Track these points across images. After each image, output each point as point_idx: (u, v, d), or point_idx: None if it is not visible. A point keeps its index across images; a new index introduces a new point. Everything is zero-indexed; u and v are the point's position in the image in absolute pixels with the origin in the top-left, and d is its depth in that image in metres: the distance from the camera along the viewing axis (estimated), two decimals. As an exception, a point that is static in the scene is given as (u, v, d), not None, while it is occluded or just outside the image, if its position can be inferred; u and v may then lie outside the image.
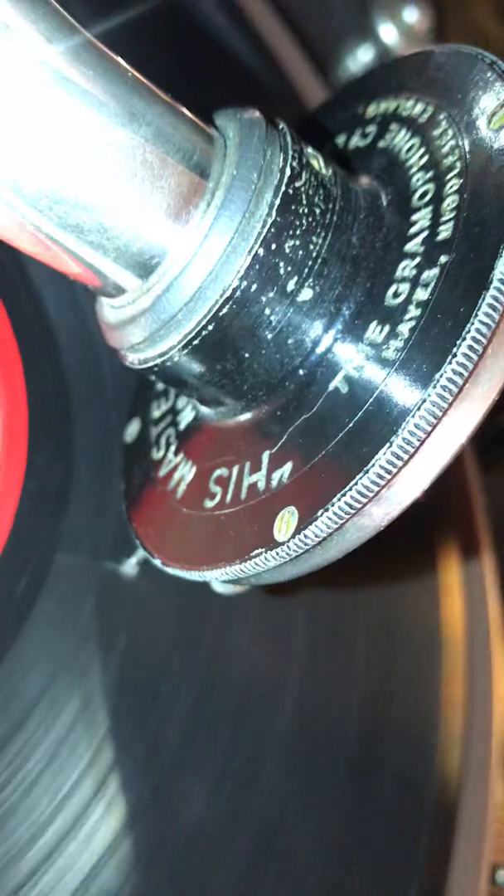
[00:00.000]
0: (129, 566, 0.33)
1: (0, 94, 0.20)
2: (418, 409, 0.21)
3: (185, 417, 0.28)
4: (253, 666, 0.34)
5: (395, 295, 0.23)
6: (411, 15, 0.52)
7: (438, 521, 0.41)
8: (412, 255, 0.23)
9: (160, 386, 0.30)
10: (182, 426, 0.28)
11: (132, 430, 0.31)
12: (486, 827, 0.38)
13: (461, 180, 0.23)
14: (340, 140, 0.28)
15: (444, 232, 0.23)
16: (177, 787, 0.32)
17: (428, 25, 0.52)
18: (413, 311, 0.22)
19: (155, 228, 0.22)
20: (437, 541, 0.40)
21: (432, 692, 0.37)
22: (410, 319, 0.22)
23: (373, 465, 0.21)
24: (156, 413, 0.30)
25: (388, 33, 0.53)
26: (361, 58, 0.54)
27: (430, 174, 0.24)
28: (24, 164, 0.21)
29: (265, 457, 0.24)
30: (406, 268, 0.23)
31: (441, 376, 0.21)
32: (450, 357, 0.21)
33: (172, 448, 0.28)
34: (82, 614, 0.33)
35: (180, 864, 0.31)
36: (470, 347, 0.20)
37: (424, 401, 0.21)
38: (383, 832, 0.34)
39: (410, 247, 0.23)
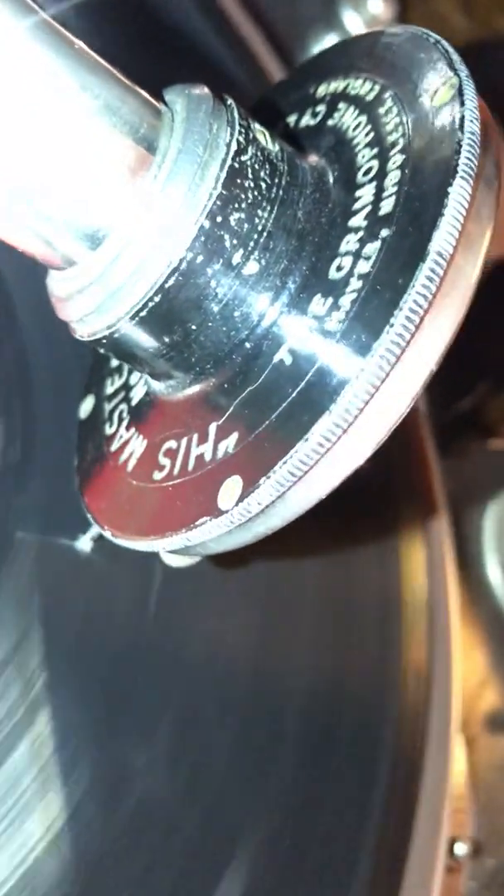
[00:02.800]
0: (84, 542, 0.33)
1: None
2: (357, 378, 0.21)
3: (138, 393, 0.29)
4: (208, 640, 0.35)
5: (339, 268, 0.23)
6: (375, 5, 0.53)
7: (399, 496, 0.41)
8: (355, 230, 0.23)
9: (114, 363, 0.31)
10: (134, 402, 0.29)
11: (86, 406, 0.31)
12: (444, 800, 0.38)
13: (403, 156, 0.23)
14: (291, 119, 0.29)
15: (386, 206, 0.23)
16: (125, 766, 0.32)
17: (391, 15, 0.52)
18: (355, 284, 0.23)
19: (102, 200, 0.23)
20: (398, 515, 0.41)
21: (392, 664, 0.37)
22: (352, 292, 0.22)
23: (312, 434, 0.21)
24: (109, 389, 0.30)
25: (353, 22, 0.54)
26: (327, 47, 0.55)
27: (374, 151, 0.24)
28: (-31, 133, 0.21)
29: (212, 428, 0.25)
30: (349, 242, 0.23)
31: (379, 346, 0.21)
32: (388, 328, 0.21)
33: (125, 423, 0.28)
34: (37, 593, 0.33)
35: (127, 845, 0.31)
36: (407, 318, 0.21)
37: (363, 370, 0.21)
38: (341, 805, 0.35)
39: (354, 221, 0.24)
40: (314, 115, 0.28)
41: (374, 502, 0.39)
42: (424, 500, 0.42)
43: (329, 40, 0.55)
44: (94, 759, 0.31)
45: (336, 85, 0.28)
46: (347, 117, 0.26)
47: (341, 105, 0.27)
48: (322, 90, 0.28)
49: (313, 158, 0.26)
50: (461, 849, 0.44)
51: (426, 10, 0.54)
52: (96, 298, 0.24)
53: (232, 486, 0.23)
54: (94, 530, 0.31)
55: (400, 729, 0.36)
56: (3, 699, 0.31)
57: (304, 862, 0.34)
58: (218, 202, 0.23)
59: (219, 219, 0.23)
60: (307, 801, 0.34)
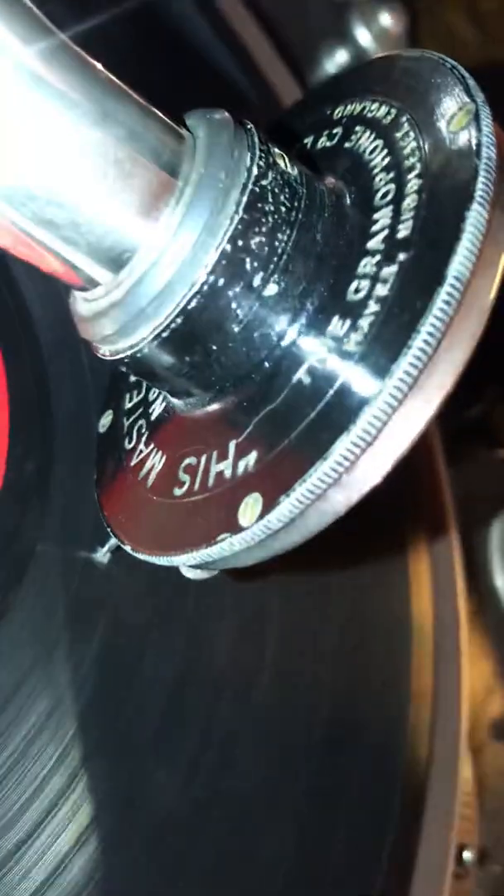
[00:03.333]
0: (102, 554, 0.33)
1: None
2: (376, 399, 0.22)
3: (157, 408, 0.29)
4: (225, 654, 0.35)
5: (357, 291, 0.24)
6: (386, 18, 0.54)
7: (408, 512, 0.42)
8: (373, 253, 0.24)
9: (133, 378, 0.31)
10: (153, 417, 0.29)
11: (105, 420, 0.32)
12: (453, 810, 0.39)
13: (420, 181, 0.24)
14: (308, 141, 0.29)
15: (404, 230, 0.24)
16: (149, 776, 0.32)
17: (402, 29, 0.53)
18: (373, 307, 0.23)
19: (126, 225, 0.23)
20: (407, 531, 0.41)
21: (402, 681, 0.38)
22: (370, 314, 0.23)
23: (332, 452, 0.22)
24: (128, 404, 0.31)
25: (363, 37, 0.54)
26: (338, 60, 0.55)
27: (391, 174, 0.25)
28: (-2, 161, 0.22)
29: (232, 446, 0.25)
30: (367, 265, 0.24)
31: (398, 368, 0.22)
32: (406, 350, 0.22)
33: (143, 438, 0.29)
34: (58, 605, 0.34)
35: (152, 854, 0.32)
36: (425, 341, 0.22)
37: (382, 391, 0.22)
38: (353, 815, 0.35)
39: (372, 244, 0.24)
40: (331, 137, 0.28)
41: (383, 514, 0.40)
42: (435, 511, 0.42)
43: (339, 54, 0.55)
44: (114, 773, 0.32)
45: (352, 107, 0.28)
46: (364, 140, 0.27)
47: (358, 128, 0.27)
48: (338, 112, 0.28)
49: (330, 181, 0.27)
50: (469, 856, 0.44)
51: (436, 24, 0.55)
52: (120, 320, 0.24)
53: (252, 504, 0.23)
54: (112, 543, 0.32)
55: (411, 743, 0.37)
56: (31, 711, 0.31)
57: (315, 870, 0.34)
58: (239, 226, 0.23)
59: (240, 242, 0.23)
60: (318, 811, 0.34)
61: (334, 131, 0.28)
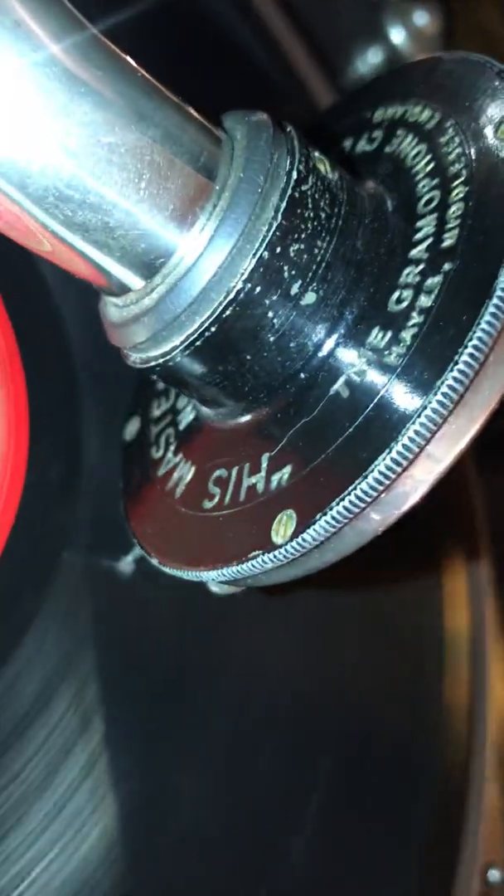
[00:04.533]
0: (126, 564, 0.33)
1: (7, 93, 0.20)
2: (419, 415, 0.21)
3: (186, 417, 0.28)
4: (250, 667, 0.34)
5: (399, 301, 0.23)
6: (421, 18, 0.52)
7: (440, 526, 0.41)
8: (416, 262, 0.23)
9: (160, 385, 0.30)
10: (182, 426, 0.28)
11: (132, 428, 0.31)
12: (480, 829, 0.38)
13: (467, 188, 0.23)
14: (347, 144, 0.28)
15: (449, 240, 0.23)
16: (173, 786, 0.32)
17: (437, 28, 0.52)
18: (416, 318, 0.22)
19: (160, 229, 0.23)
20: (440, 546, 0.40)
21: (433, 693, 0.37)
22: (413, 326, 0.22)
23: (372, 471, 0.21)
24: (156, 412, 0.30)
25: (398, 36, 0.53)
26: (371, 60, 0.54)
27: (435, 181, 0.24)
28: (29, 162, 0.21)
29: (264, 459, 0.24)
30: (410, 274, 0.23)
31: (442, 384, 0.21)
32: (451, 365, 0.21)
33: (172, 448, 0.28)
34: (81, 613, 0.33)
35: (177, 863, 0.31)
36: (471, 356, 0.21)
37: (425, 407, 0.21)
38: (383, 834, 0.34)
39: (415, 253, 0.23)
40: (370, 140, 0.27)
41: (416, 528, 0.39)
42: (467, 525, 0.41)
43: (373, 53, 0.54)
44: (140, 779, 0.31)
45: (393, 111, 0.27)
46: (406, 145, 0.26)
47: (399, 132, 0.26)
48: (379, 115, 0.28)
49: (370, 185, 0.26)
50: (494, 876, 0.43)
51: (472, 23, 0.53)
52: (151, 328, 0.24)
53: (286, 521, 0.23)
54: (137, 552, 0.31)
55: (442, 762, 0.36)
56: (53, 714, 0.31)
57: (342, 889, 0.33)
58: (277, 233, 0.23)
59: (278, 249, 0.23)
60: (349, 832, 0.34)
61: (374, 135, 0.27)
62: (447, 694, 0.37)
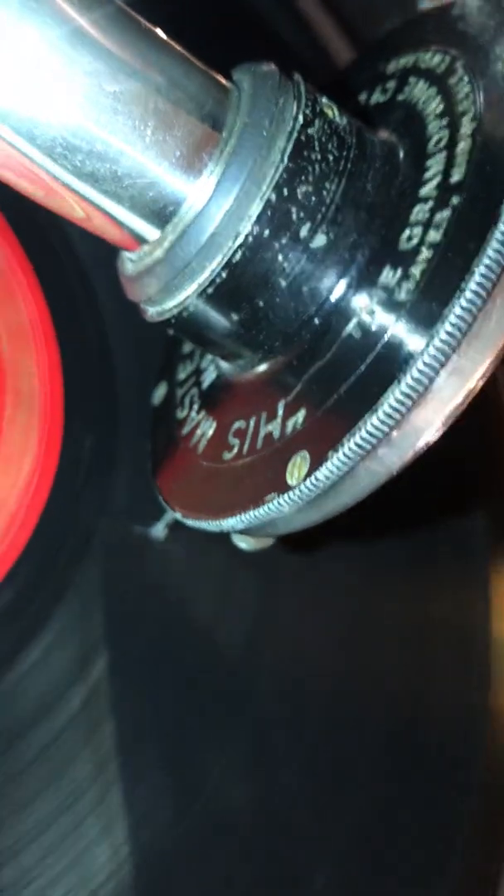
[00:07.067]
0: (158, 529, 0.33)
1: (11, 46, 0.21)
2: (427, 347, 0.21)
3: (209, 377, 0.29)
4: (289, 648, 0.34)
5: (409, 239, 0.23)
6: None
7: (490, 533, 0.40)
8: (425, 200, 0.23)
9: (186, 349, 0.31)
10: (205, 385, 0.29)
11: (159, 392, 0.31)
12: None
13: (474, 124, 0.23)
14: (362, 97, 0.28)
15: (457, 175, 0.22)
16: (208, 768, 0.32)
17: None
18: (425, 253, 0.22)
19: (168, 177, 0.23)
20: (489, 552, 0.39)
21: (479, 696, 0.36)
22: (423, 261, 0.22)
23: (381, 405, 0.21)
24: (181, 375, 0.30)
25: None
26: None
27: (445, 121, 0.24)
28: (37, 113, 0.21)
29: (280, 406, 0.24)
30: (420, 212, 0.23)
31: (449, 312, 0.20)
32: (458, 293, 0.20)
33: (195, 406, 0.28)
34: (119, 581, 0.33)
35: (215, 850, 0.31)
36: (479, 283, 0.20)
37: (433, 338, 0.21)
38: (427, 839, 0.33)
39: (424, 191, 0.23)
40: (384, 91, 0.27)
41: (463, 531, 0.38)
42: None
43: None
44: (169, 761, 0.31)
45: (406, 60, 0.27)
46: (418, 91, 0.26)
47: (411, 79, 0.26)
48: (392, 67, 0.27)
49: (383, 133, 0.26)
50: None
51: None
52: (164, 277, 0.24)
53: (300, 463, 0.23)
54: (169, 517, 0.31)
55: (486, 763, 0.35)
56: (83, 684, 0.31)
57: (384, 886, 0.32)
58: (284, 175, 0.23)
59: (285, 191, 0.23)
60: (384, 825, 0.33)
61: (387, 85, 0.27)
62: (493, 701, 0.36)
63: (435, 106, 0.25)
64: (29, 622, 0.32)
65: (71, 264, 0.34)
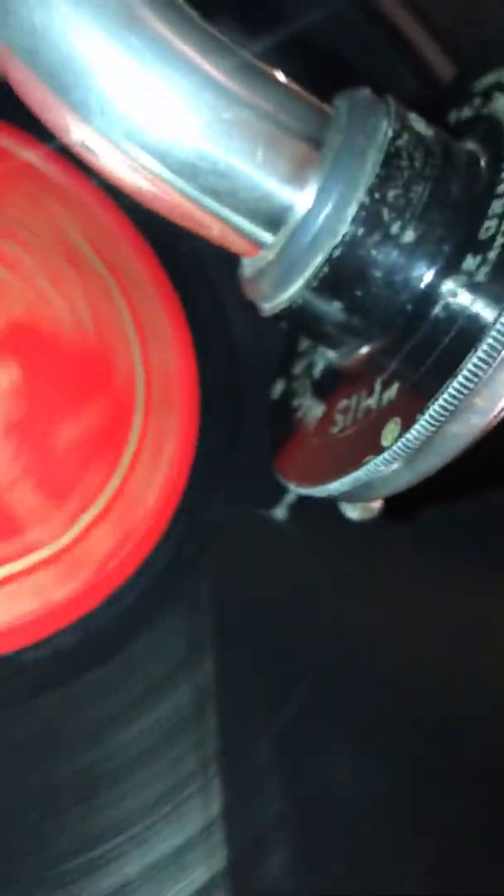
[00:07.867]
0: (279, 512, 0.36)
1: (147, 87, 0.26)
2: (500, 316, 0.24)
3: (319, 368, 0.32)
4: (396, 641, 0.35)
5: (487, 230, 0.26)
6: None
7: None
8: (501, 196, 0.26)
9: (301, 347, 0.35)
10: (316, 375, 0.32)
11: (277, 388, 0.35)
12: None
13: None
14: (453, 116, 0.32)
15: None
16: (314, 763, 0.33)
17: None
18: (500, 240, 0.25)
19: (277, 189, 0.27)
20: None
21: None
22: (498, 247, 0.25)
23: (461, 371, 0.24)
24: (296, 370, 0.34)
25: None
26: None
27: None
28: (169, 137, 0.26)
29: (378, 383, 0.28)
30: (497, 206, 0.26)
31: None
32: None
33: (308, 394, 0.32)
34: (246, 567, 0.37)
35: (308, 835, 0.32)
36: None
37: None
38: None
39: (501, 189, 0.26)
40: (471, 107, 0.31)
41: None
42: None
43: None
44: (271, 743, 0.33)
45: (493, 77, 0.30)
46: (500, 105, 0.29)
47: (496, 95, 0.30)
48: (478, 85, 0.31)
49: (469, 144, 0.29)
50: None
51: None
52: (277, 275, 0.28)
53: (393, 427, 0.26)
54: (289, 497, 0.35)
55: None
56: (200, 670, 0.33)
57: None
58: (376, 181, 0.26)
59: (377, 196, 0.26)
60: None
61: (475, 102, 0.31)
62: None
63: None
64: (159, 608, 0.34)
65: (200, 276, 0.38)
